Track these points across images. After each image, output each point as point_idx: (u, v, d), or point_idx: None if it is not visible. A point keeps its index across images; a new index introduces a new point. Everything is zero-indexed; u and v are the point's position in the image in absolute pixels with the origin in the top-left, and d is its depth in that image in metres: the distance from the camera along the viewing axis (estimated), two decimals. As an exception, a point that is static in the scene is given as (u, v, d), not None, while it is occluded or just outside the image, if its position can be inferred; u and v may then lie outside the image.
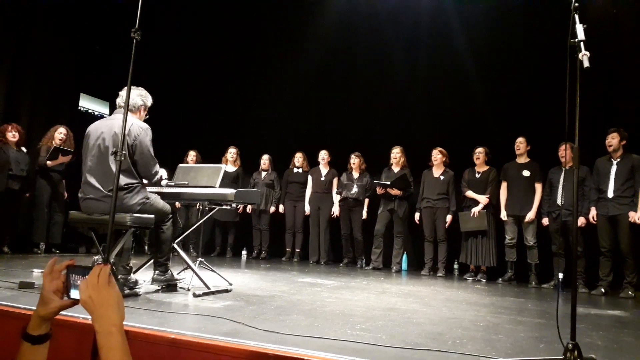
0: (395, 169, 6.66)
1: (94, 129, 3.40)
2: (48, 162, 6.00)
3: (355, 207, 6.86)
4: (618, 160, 5.14)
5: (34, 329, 1.21)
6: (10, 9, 6.55)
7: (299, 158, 7.36)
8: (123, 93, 3.44)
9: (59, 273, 1.24)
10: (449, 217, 6.22)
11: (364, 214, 6.82)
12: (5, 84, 6.59)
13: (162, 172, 3.69)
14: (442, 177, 6.33)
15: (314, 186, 7.20)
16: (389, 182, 6.39)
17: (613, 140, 5.14)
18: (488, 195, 5.96)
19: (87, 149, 3.36)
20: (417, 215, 6.44)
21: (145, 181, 3.48)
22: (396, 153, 6.64)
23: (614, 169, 5.14)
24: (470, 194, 6.06)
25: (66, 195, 6.40)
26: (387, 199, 6.55)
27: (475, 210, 5.93)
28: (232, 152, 7.37)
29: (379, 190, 6.55)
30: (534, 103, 6.21)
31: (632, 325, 3.26)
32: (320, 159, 7.22)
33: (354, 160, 6.93)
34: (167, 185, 3.76)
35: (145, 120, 3.56)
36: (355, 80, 7.66)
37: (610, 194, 5.09)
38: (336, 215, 7.00)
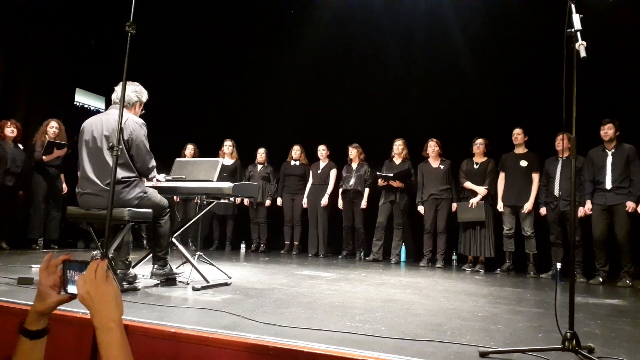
0: (397, 160, 6.65)
1: (88, 124, 3.40)
2: (44, 157, 5.99)
3: (356, 198, 6.85)
4: (613, 150, 5.15)
5: (31, 324, 1.21)
6: (4, 3, 6.49)
7: (296, 151, 7.34)
8: (118, 89, 3.44)
9: (56, 268, 1.24)
10: (454, 205, 6.22)
11: (363, 204, 6.80)
12: (1, 80, 6.55)
13: (161, 178, 3.69)
14: (441, 167, 6.33)
15: (313, 179, 7.20)
16: (391, 174, 6.39)
17: (609, 131, 5.14)
18: (487, 187, 5.96)
19: (82, 144, 3.36)
20: (421, 208, 6.41)
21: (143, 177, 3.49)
22: (398, 146, 6.62)
23: (609, 159, 5.14)
24: (468, 185, 6.05)
25: (66, 189, 6.38)
26: (389, 191, 6.55)
27: (474, 201, 5.93)
28: (227, 145, 7.35)
29: (380, 182, 6.55)
30: (531, 94, 6.19)
31: (630, 313, 3.28)
32: (319, 153, 7.21)
33: (351, 151, 6.92)
34: (165, 180, 3.75)
35: (141, 115, 3.56)
36: (352, 72, 7.62)
37: (608, 185, 5.09)
38: (324, 205, 6.98)
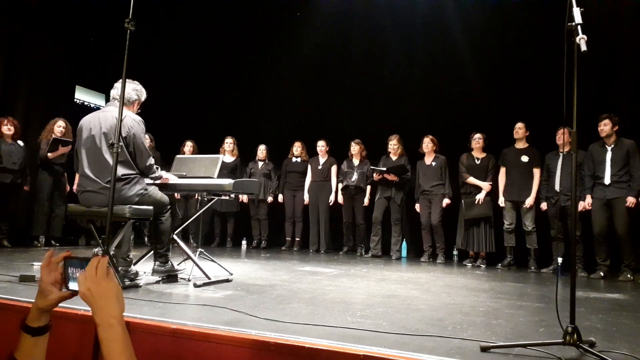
0: (393, 157, 6.64)
1: (86, 122, 3.39)
2: (49, 154, 6.00)
3: (357, 194, 6.85)
4: (612, 145, 5.13)
5: (33, 321, 1.21)
6: (4, 2, 6.48)
7: (297, 147, 7.34)
8: (119, 85, 3.43)
9: (57, 265, 1.24)
10: (445, 201, 6.21)
11: (366, 201, 6.81)
12: (1, 78, 6.53)
13: (169, 175, 3.68)
14: (434, 164, 6.33)
15: (312, 175, 7.20)
16: (385, 168, 6.39)
17: (605, 126, 5.13)
18: (491, 182, 5.96)
19: (81, 142, 3.35)
20: (417, 206, 6.43)
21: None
22: (393, 144, 6.62)
23: (609, 154, 5.13)
24: (472, 180, 6.04)
25: (69, 188, 6.40)
26: (385, 186, 6.55)
27: (480, 197, 5.92)
28: (228, 142, 7.35)
29: (375, 177, 6.54)
30: (531, 88, 6.17)
31: (631, 308, 3.28)
32: (318, 149, 7.21)
33: (354, 147, 6.91)
34: (173, 176, 3.75)
35: (138, 114, 3.54)
36: (352, 69, 7.61)
37: (607, 180, 5.09)
38: (332, 202, 7.00)
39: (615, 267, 5.09)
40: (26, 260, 4.46)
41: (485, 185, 5.95)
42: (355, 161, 6.92)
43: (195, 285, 3.41)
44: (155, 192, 3.48)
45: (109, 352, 1.10)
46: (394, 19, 7.37)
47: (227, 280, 3.77)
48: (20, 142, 6.08)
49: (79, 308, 2.17)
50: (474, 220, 5.95)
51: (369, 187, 6.83)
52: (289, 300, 3.00)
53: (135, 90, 3.52)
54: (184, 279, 3.69)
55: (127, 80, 3.35)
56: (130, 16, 2.66)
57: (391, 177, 6.43)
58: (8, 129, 5.91)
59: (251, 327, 2.15)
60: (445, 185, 6.28)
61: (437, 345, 2.03)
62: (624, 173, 5.03)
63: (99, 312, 1.13)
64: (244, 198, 7.31)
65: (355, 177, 6.81)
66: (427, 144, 6.35)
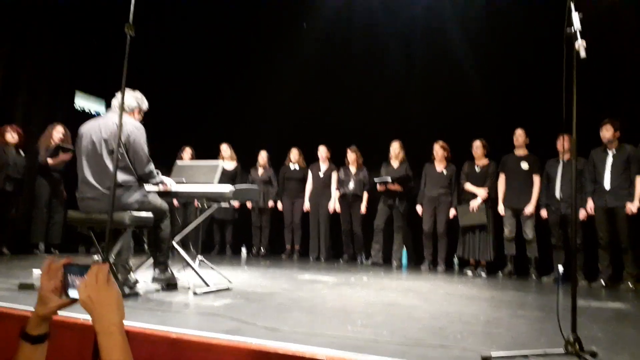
0: (395, 163, 6.64)
1: (86, 129, 3.39)
2: (49, 160, 5.99)
3: (354, 202, 6.84)
4: (614, 151, 5.13)
5: (32, 329, 1.20)
6: (4, 7, 6.49)
7: (294, 154, 7.33)
8: (120, 95, 3.44)
9: (57, 272, 1.24)
10: (452, 211, 6.20)
11: (363, 208, 6.81)
12: (0, 84, 6.54)
13: (169, 181, 3.68)
14: (445, 172, 6.31)
15: (313, 182, 7.19)
16: (389, 179, 6.38)
17: (607, 132, 5.12)
18: (487, 189, 5.95)
19: (81, 148, 3.35)
20: (419, 208, 6.40)
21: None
22: (395, 148, 6.62)
23: (609, 160, 5.12)
24: (469, 187, 6.04)
25: (65, 195, 6.38)
26: (388, 195, 6.54)
27: (474, 205, 5.91)
28: (224, 148, 7.35)
29: (379, 187, 6.53)
30: (532, 94, 6.18)
31: (633, 317, 3.27)
32: (319, 155, 7.21)
33: (350, 155, 6.92)
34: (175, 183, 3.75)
35: (140, 122, 3.54)
36: (352, 74, 7.62)
37: (607, 185, 5.08)
38: (334, 210, 6.99)
39: (616, 275, 5.07)
40: (25, 268, 4.44)
41: (481, 192, 5.93)
42: (352, 169, 6.93)
43: (195, 294, 3.40)
44: (155, 198, 3.48)
45: (109, 360, 1.09)
46: (394, 24, 7.39)
47: (227, 289, 3.75)
48: (22, 152, 6.07)
49: (78, 316, 2.16)
50: (469, 228, 5.94)
51: (366, 194, 6.84)
52: (289, 308, 2.99)
53: (135, 98, 3.53)
54: (184, 287, 3.68)
55: (128, 89, 3.38)
56: (130, 21, 2.66)
57: (395, 186, 6.42)
58: (12, 137, 5.89)
59: (251, 336, 2.14)
60: (453, 196, 6.27)
61: (438, 355, 2.02)
62: (624, 179, 5.02)
63: (99, 319, 1.12)
64: (247, 203, 7.29)
65: (352, 185, 6.81)
66: (437, 150, 6.33)
